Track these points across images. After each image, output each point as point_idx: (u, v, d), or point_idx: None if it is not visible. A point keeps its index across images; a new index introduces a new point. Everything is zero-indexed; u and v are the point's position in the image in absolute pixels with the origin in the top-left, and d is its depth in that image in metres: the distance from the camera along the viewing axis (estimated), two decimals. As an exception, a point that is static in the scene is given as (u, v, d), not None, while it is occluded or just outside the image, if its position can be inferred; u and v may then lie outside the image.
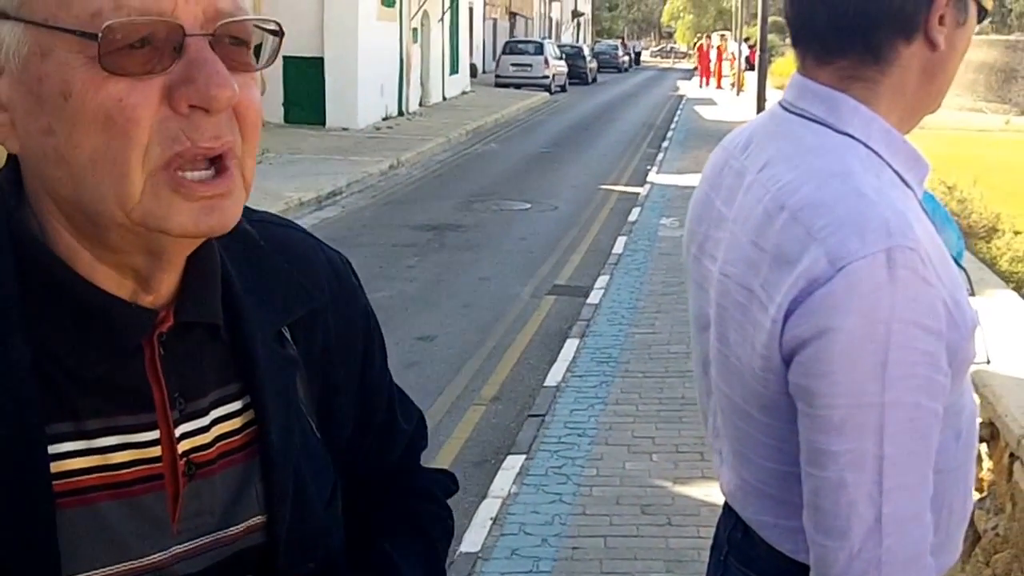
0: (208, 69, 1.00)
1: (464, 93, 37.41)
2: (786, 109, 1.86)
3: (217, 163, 1.05)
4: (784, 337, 1.67)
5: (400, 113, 28.69)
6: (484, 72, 46.66)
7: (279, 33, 1.10)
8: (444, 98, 34.29)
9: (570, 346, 9.07)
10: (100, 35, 0.97)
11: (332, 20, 24.88)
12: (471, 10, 42.50)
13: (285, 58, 22.59)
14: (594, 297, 10.67)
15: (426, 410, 7.14)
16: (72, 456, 1.07)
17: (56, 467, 1.05)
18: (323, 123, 24.94)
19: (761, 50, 22.33)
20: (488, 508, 6.05)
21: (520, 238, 13.87)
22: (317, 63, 24.95)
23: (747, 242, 1.77)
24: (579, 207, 16.25)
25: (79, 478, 1.07)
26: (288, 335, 1.26)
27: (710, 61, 49.29)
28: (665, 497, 6.14)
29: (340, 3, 24.94)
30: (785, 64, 33.56)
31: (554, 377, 8.30)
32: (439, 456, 6.93)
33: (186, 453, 1.14)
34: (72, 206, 1.06)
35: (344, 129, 24.79)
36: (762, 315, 1.71)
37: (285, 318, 1.25)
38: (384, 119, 27.18)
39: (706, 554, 5.34)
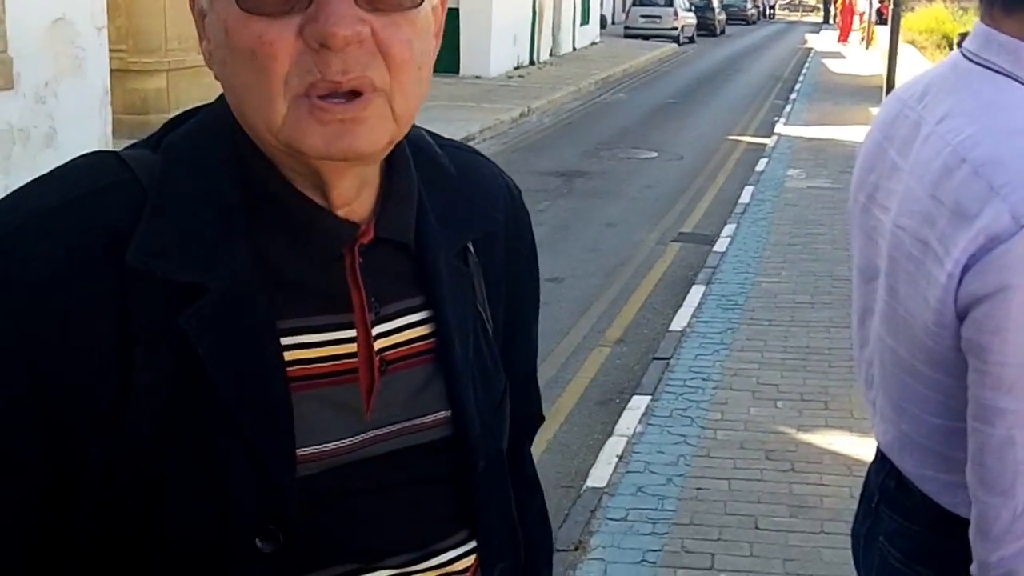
0: (329, 9, 1.07)
1: (594, 44, 37.14)
2: (968, 59, 1.82)
3: (356, 93, 1.12)
4: (960, 292, 1.65)
5: (532, 62, 28.66)
6: (613, 23, 46.37)
7: None
8: (574, 48, 34.14)
9: (695, 292, 9.07)
10: None
11: (466, -29, 25.02)
12: (602, -39, 42.14)
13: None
14: (720, 245, 10.62)
15: (552, 350, 7.35)
16: (289, 349, 1.17)
17: (285, 357, 1.17)
18: (457, 71, 25.05)
19: (894, 4, 21.88)
20: (613, 446, 6.12)
21: (646, 186, 13.85)
22: (452, 14, 24.80)
23: (924, 195, 1.75)
24: (705, 157, 16.15)
25: (298, 367, 1.18)
26: (471, 249, 1.35)
27: (852, 15, 48.10)
28: (789, 444, 6.15)
29: (475, -46, 25.00)
30: (916, 19, 32.67)
31: (679, 322, 8.32)
32: (564, 395, 7.03)
33: (379, 351, 1.23)
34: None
35: (477, 77, 24.91)
36: (937, 269, 1.69)
37: (466, 237, 1.34)
38: (516, 68, 27.20)
39: (829, 501, 5.41)
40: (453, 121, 17.10)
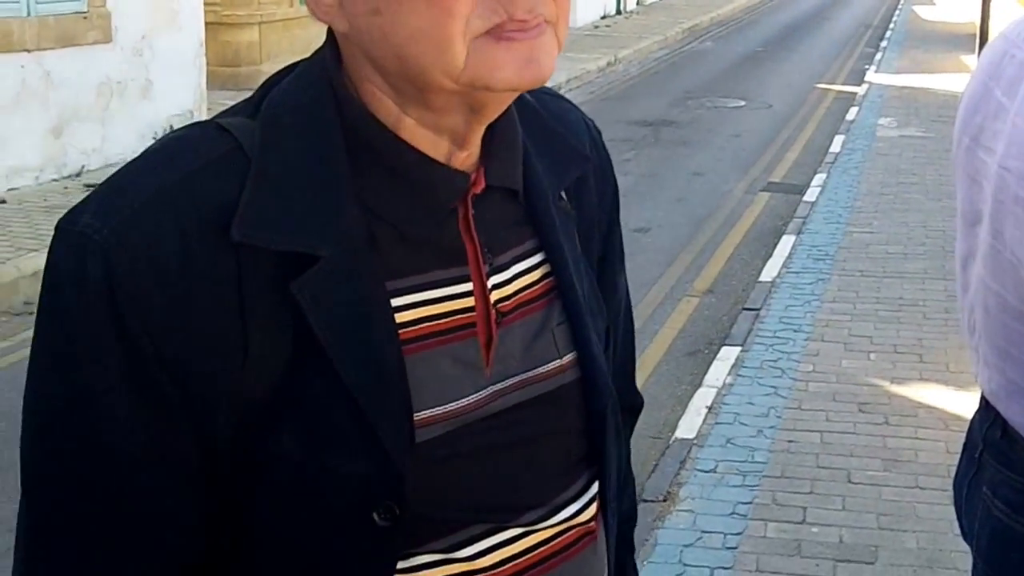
0: None
1: (679, -9, 36.79)
2: None
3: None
4: None
5: (618, 12, 28.41)
6: (699, -31, 45.83)
7: None
8: (660, -3, 33.86)
9: (785, 242, 8.95)
10: None
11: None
12: (688, -95, 41.68)
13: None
14: (810, 195, 10.47)
15: (640, 300, 7.28)
16: (404, 309, 1.15)
17: (396, 317, 1.14)
18: (544, 21, 24.96)
19: (990, -52, 21.33)
20: (703, 397, 6.07)
21: (734, 135, 13.69)
22: None
23: None
24: (794, 106, 15.91)
25: (412, 328, 1.16)
26: (564, 195, 1.33)
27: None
28: (882, 396, 6.06)
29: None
30: (1013, -36, 31.99)
31: (769, 272, 8.22)
32: (652, 345, 6.99)
33: (495, 303, 1.21)
34: (398, 77, 1.13)
35: (563, 26, 24.77)
36: None
37: (565, 180, 1.33)
38: (602, 17, 26.97)
39: (924, 455, 5.32)
40: (539, 71, 16.98)
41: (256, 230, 1.09)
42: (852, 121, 14.23)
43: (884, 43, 23.45)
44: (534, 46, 1.10)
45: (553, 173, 1.31)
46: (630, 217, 9.65)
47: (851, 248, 8.85)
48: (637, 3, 30.52)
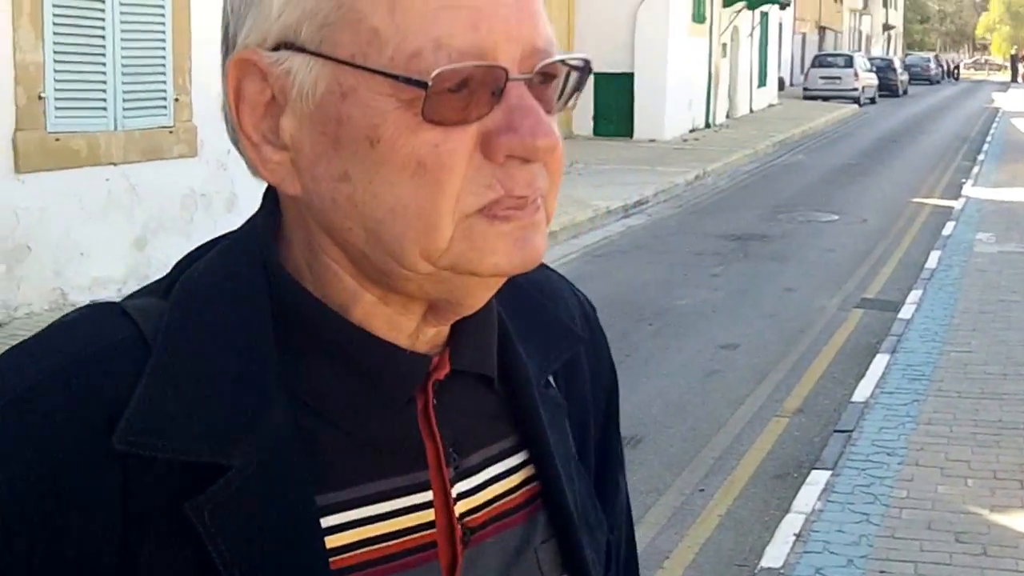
0: (532, 118, 0.91)
1: (771, 106, 37.03)
2: None
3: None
4: None
5: (707, 125, 28.70)
6: (791, 85, 46.14)
7: (587, 70, 0.99)
8: (751, 110, 34.14)
9: (879, 361, 8.74)
10: (430, 83, 0.89)
11: (643, 37, 25.55)
12: (780, 25, 42.24)
13: (596, 74, 23.60)
14: (905, 312, 10.26)
15: (727, 420, 7.18)
16: (341, 530, 0.97)
17: (328, 543, 0.95)
18: (631, 135, 25.41)
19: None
20: (791, 523, 5.86)
21: (827, 250, 13.52)
22: (627, 78, 25.59)
23: None
24: (889, 220, 15.73)
25: (350, 554, 0.97)
26: (551, 380, 1.14)
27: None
28: (981, 525, 5.81)
29: (651, 20, 25.46)
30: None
31: (862, 393, 8.01)
32: (739, 468, 6.80)
33: (461, 516, 1.02)
34: (362, 253, 0.96)
35: (651, 140, 25.06)
36: None
37: (553, 363, 1.14)
38: (691, 131, 27.27)
39: (1026, 589, 5.05)
40: (627, 184, 17.09)
41: (146, 436, 0.91)
42: (949, 236, 14.04)
43: (981, 156, 23.27)
44: (528, 225, 0.94)
45: (539, 355, 1.12)
46: (718, 333, 9.52)
47: (948, 368, 8.60)
48: (727, 116, 30.77)
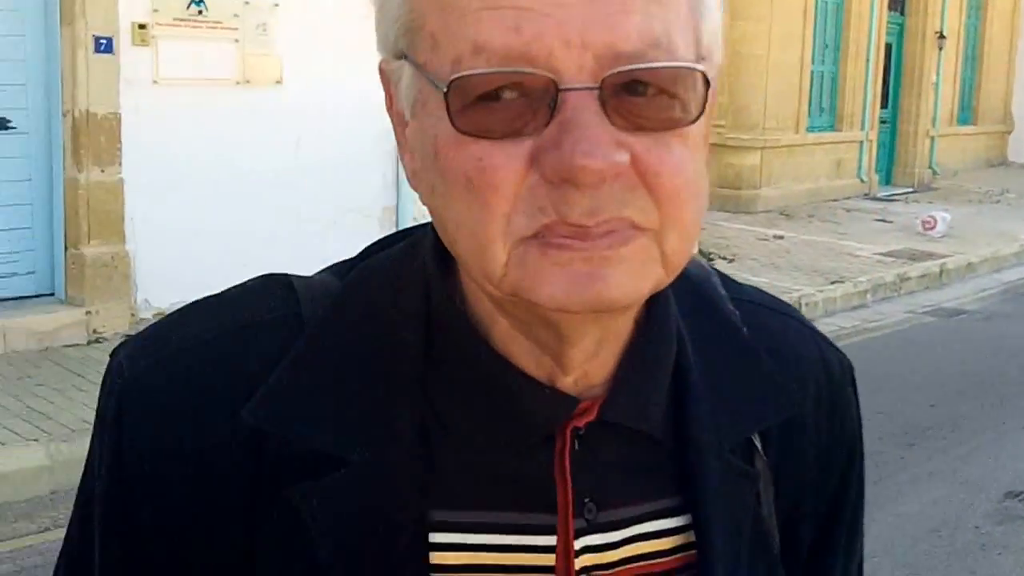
0: (576, 134, 0.80)
1: None
2: None
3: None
4: None
5: None
6: None
7: (700, 77, 0.84)
8: None
9: None
10: (446, 90, 0.82)
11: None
12: None
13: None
14: None
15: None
16: (448, 549, 0.94)
17: (432, 558, 0.93)
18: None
19: None
20: None
21: None
22: None
23: None
24: None
25: (452, 575, 0.94)
26: (759, 444, 1.04)
27: None
28: None
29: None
30: None
31: None
32: None
33: (585, 570, 0.96)
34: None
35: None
36: None
37: (754, 425, 1.03)
38: None
39: None
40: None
41: (272, 415, 0.92)
42: None
43: None
44: (599, 259, 0.82)
45: (736, 412, 1.01)
46: None
47: None
48: None
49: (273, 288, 1.00)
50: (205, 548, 0.94)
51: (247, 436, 0.92)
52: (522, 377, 0.93)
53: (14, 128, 8.45)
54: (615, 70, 0.81)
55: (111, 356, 1.00)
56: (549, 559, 0.95)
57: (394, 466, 0.92)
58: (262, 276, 1.03)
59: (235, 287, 1.02)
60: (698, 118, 0.85)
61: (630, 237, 0.83)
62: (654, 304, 0.95)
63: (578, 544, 0.95)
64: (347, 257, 1.03)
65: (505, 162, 0.82)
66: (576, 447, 0.95)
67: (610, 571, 0.96)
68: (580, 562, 0.95)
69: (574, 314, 0.85)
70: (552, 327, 0.89)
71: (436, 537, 0.93)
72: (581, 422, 0.95)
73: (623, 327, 0.95)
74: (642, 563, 0.97)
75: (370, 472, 0.91)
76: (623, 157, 0.81)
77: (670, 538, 0.98)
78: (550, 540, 0.95)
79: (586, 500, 0.95)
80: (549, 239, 0.82)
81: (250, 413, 0.92)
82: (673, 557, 0.98)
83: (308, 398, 0.93)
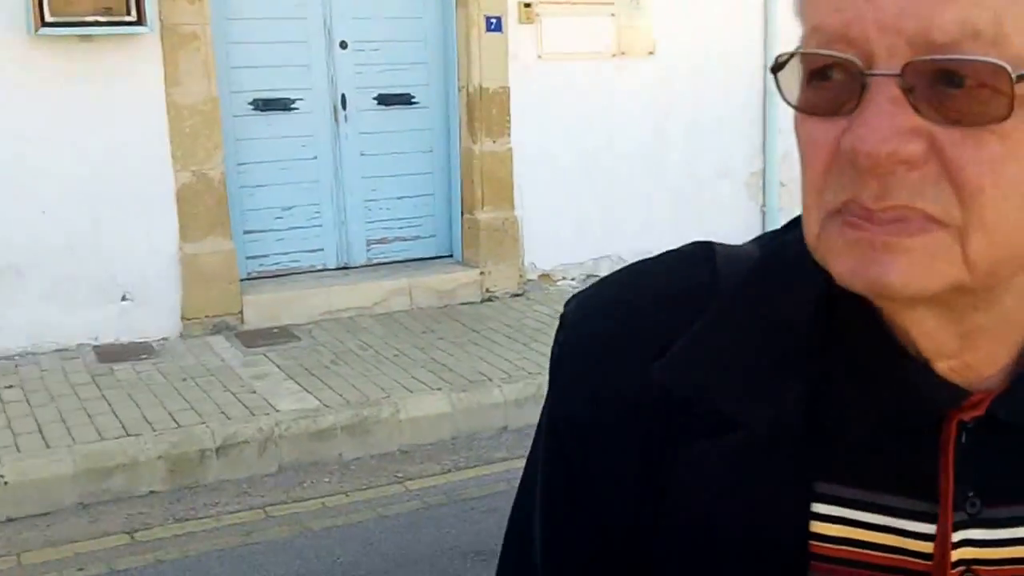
0: (865, 115, 0.81)
1: None
2: None
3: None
4: None
5: None
6: None
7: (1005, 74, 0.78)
8: None
9: None
10: (773, 65, 0.88)
11: None
12: None
13: None
14: None
15: None
16: (828, 520, 0.95)
17: (812, 527, 0.95)
18: None
19: None
20: None
21: None
22: None
23: None
24: None
25: (831, 545, 0.95)
26: None
27: None
28: None
29: None
30: None
31: None
32: None
33: (963, 562, 0.94)
34: None
35: None
36: None
37: None
38: None
39: None
40: None
41: (680, 374, 0.99)
42: None
43: None
44: (881, 244, 0.82)
45: None
46: None
47: None
48: None
49: (696, 257, 1.06)
50: (617, 489, 1.01)
51: (656, 394, 0.99)
52: (911, 359, 0.92)
53: (417, 103, 9.05)
54: (918, 58, 0.79)
55: (564, 306, 1.11)
56: (925, 546, 0.93)
57: (787, 433, 0.94)
58: (691, 244, 1.09)
59: (668, 253, 1.09)
60: (1009, 115, 0.78)
61: (921, 229, 0.81)
62: None
63: (956, 536, 0.93)
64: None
65: (824, 139, 0.84)
66: (963, 439, 0.92)
67: (989, 568, 0.93)
68: (957, 554, 0.93)
69: (875, 296, 0.87)
70: (884, 309, 0.92)
71: (818, 507, 0.94)
72: (969, 415, 0.92)
73: (1004, 317, 0.89)
74: None
75: (764, 436, 0.95)
76: (909, 147, 0.80)
77: None
78: (928, 528, 0.93)
79: (970, 494, 0.92)
80: (846, 216, 0.84)
81: (660, 371, 0.99)
82: None
83: (712, 362, 0.98)
